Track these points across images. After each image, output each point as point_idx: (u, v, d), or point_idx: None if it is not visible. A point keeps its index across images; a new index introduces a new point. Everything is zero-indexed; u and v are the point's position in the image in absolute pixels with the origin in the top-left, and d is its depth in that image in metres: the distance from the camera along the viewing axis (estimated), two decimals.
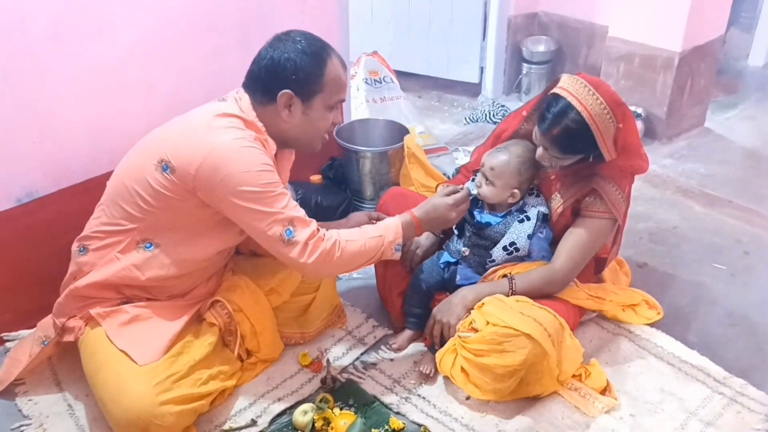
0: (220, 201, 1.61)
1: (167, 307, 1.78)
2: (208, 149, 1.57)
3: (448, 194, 1.84)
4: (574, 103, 1.73)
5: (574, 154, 1.84)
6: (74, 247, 1.76)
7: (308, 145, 1.77)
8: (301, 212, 1.66)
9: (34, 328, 1.93)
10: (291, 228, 1.62)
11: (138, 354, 1.65)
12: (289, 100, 1.65)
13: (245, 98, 1.68)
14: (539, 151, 1.85)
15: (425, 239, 2.04)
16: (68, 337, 1.76)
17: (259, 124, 1.67)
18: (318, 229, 1.67)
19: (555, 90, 1.79)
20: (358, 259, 1.72)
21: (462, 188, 1.87)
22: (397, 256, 1.78)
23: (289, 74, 1.63)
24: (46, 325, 1.85)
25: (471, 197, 1.97)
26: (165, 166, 1.61)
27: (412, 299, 2.01)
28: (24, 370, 1.82)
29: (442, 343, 1.87)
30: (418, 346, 2.01)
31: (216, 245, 1.77)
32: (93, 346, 1.70)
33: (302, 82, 1.64)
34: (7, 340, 1.99)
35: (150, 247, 1.70)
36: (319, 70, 1.64)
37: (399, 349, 2.00)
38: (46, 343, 1.82)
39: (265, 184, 1.59)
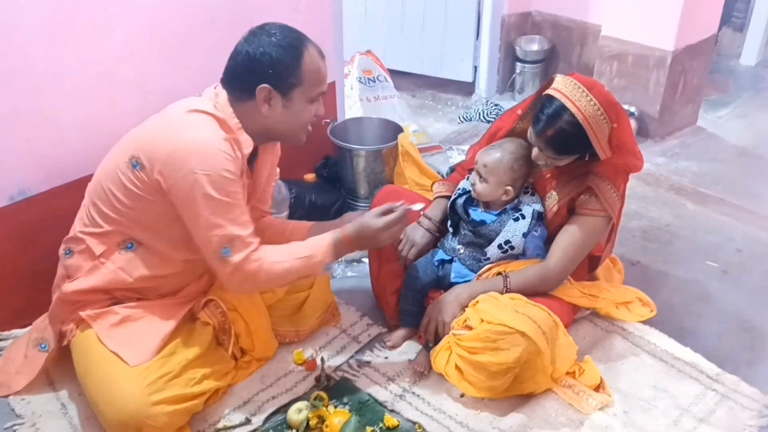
0: (178, 198, 1.58)
1: (158, 306, 1.77)
2: (175, 146, 1.56)
3: (383, 213, 1.73)
4: (568, 104, 1.74)
5: (569, 154, 1.84)
6: (61, 249, 1.76)
7: (292, 138, 1.74)
8: (246, 230, 1.62)
9: (28, 327, 1.93)
10: (229, 247, 1.59)
11: (129, 355, 1.64)
12: (268, 94, 1.62)
13: (222, 94, 1.66)
14: (535, 151, 1.85)
15: (420, 238, 2.03)
16: (63, 342, 1.76)
17: (234, 122, 1.64)
18: (253, 251, 1.62)
19: (548, 91, 1.79)
20: (284, 278, 1.70)
21: (400, 205, 1.75)
22: (326, 273, 1.75)
23: (266, 68, 1.60)
24: (41, 326, 1.84)
25: (466, 195, 1.98)
26: (135, 163, 1.59)
27: (406, 297, 2.01)
28: (29, 382, 1.81)
29: (437, 341, 1.87)
30: (412, 344, 2.01)
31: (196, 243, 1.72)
32: (84, 348, 1.69)
33: (280, 76, 1.61)
34: (0, 340, 1.98)
35: (131, 247, 1.69)
36: (296, 62, 1.61)
37: (393, 347, 2.00)
38: (44, 347, 1.82)
39: (223, 190, 1.56)
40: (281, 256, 1.67)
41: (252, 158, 1.76)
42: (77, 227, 1.73)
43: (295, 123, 1.69)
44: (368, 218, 1.73)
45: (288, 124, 1.69)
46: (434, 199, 2.10)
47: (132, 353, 1.65)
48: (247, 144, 1.67)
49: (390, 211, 1.74)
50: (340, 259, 2.39)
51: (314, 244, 1.71)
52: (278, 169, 2.33)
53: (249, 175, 1.75)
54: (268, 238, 1.87)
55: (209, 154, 1.56)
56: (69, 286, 1.71)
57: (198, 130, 1.58)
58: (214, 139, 1.58)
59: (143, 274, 1.71)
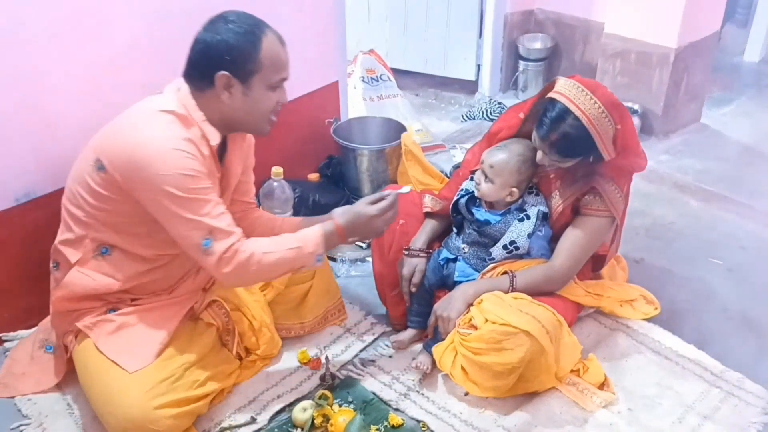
0: (145, 200, 1.58)
1: (155, 309, 1.75)
2: (132, 147, 1.55)
3: (373, 202, 1.73)
4: (572, 107, 1.73)
5: (574, 157, 1.84)
6: (51, 263, 1.76)
7: (255, 127, 1.70)
8: (224, 222, 1.60)
9: (34, 329, 1.94)
10: (210, 238, 1.57)
11: (127, 362, 1.63)
12: (227, 81, 1.59)
13: (184, 88, 1.63)
14: (539, 154, 1.84)
15: (409, 271, 1.99)
16: (67, 354, 1.78)
17: (197, 115, 1.61)
18: (237, 241, 1.61)
19: (551, 94, 1.78)
20: (276, 270, 1.67)
21: (389, 194, 1.74)
22: (319, 265, 1.73)
23: (224, 55, 1.57)
24: (47, 327, 1.85)
25: (468, 195, 1.98)
26: (100, 166, 1.59)
27: (414, 298, 2.01)
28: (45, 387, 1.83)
29: (439, 339, 1.87)
30: (419, 346, 2.01)
31: (170, 240, 1.67)
32: (84, 359, 1.70)
33: (238, 63, 1.58)
34: (6, 341, 1.99)
35: (106, 252, 1.68)
36: (253, 49, 1.58)
37: (400, 349, 2.00)
38: (49, 348, 1.84)
39: (188, 189, 1.55)
40: (271, 247, 1.64)
41: (221, 152, 1.73)
42: (57, 238, 1.73)
43: (256, 111, 1.65)
44: (360, 206, 1.72)
45: (249, 112, 1.65)
46: (424, 214, 2.08)
47: (130, 360, 1.64)
48: (214, 136, 1.64)
49: (380, 198, 1.74)
50: (340, 256, 2.40)
51: (304, 235, 1.69)
52: (281, 169, 2.35)
53: (219, 168, 1.71)
54: (258, 233, 1.86)
55: (167, 156, 1.54)
56: (62, 298, 1.72)
57: (156, 131, 1.56)
58: (172, 139, 1.56)
59: (126, 275, 1.69)
